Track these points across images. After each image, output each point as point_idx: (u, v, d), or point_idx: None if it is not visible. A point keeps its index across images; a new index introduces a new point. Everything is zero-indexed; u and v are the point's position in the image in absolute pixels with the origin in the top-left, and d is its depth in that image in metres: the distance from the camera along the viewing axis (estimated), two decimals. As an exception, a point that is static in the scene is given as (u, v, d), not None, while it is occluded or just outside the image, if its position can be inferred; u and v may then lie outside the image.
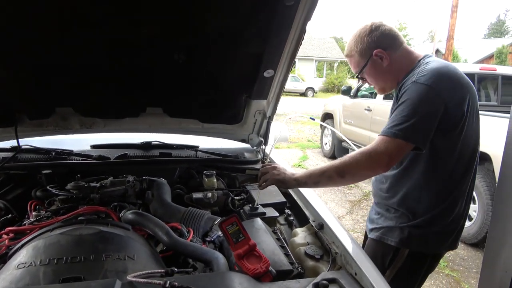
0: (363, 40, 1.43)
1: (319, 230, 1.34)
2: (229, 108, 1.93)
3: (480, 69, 5.00)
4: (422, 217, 1.43)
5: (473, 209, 3.71)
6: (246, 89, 1.79)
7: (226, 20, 1.36)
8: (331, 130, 7.36)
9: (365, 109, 5.90)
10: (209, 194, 1.62)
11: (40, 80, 1.51)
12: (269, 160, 2.06)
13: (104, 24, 1.29)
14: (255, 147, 2.20)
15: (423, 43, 45.64)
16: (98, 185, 1.47)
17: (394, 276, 1.49)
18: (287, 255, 1.21)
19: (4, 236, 1.20)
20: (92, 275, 0.92)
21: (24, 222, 1.32)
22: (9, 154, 1.72)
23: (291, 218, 1.57)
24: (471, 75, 4.82)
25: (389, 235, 1.49)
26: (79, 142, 2.04)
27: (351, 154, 1.33)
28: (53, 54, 1.39)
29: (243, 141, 2.18)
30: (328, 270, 1.13)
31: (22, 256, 0.99)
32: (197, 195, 1.64)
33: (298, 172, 1.45)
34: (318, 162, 7.17)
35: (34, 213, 1.35)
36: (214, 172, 1.73)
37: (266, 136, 2.11)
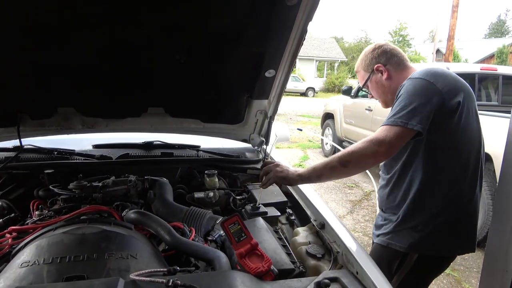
0: (367, 57, 1.63)
1: (321, 230, 1.34)
2: (230, 108, 1.93)
3: (481, 69, 5.00)
4: (428, 219, 1.43)
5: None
6: (248, 89, 1.80)
7: (227, 20, 1.36)
8: (331, 129, 7.37)
9: (366, 109, 5.90)
10: (211, 194, 1.62)
11: (42, 80, 1.52)
12: (269, 158, 2.07)
13: (105, 24, 1.29)
14: (256, 147, 2.21)
15: (423, 43, 45.64)
16: (100, 184, 1.47)
17: (401, 282, 1.49)
18: (288, 254, 1.21)
19: (7, 235, 1.21)
20: (95, 274, 0.93)
21: (27, 222, 1.33)
22: (12, 154, 1.72)
23: (293, 217, 1.57)
24: (471, 75, 4.83)
25: (397, 241, 1.49)
26: (81, 142, 2.04)
27: (353, 144, 1.36)
28: (54, 54, 1.40)
29: (244, 141, 2.19)
30: (329, 269, 1.14)
31: (26, 255, 1.00)
32: (198, 194, 1.65)
33: (301, 169, 1.47)
34: (319, 161, 7.17)
35: (37, 213, 1.36)
36: (216, 171, 1.73)
37: (267, 136, 2.11)
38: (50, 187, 1.50)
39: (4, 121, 1.67)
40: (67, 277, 0.91)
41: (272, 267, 1.03)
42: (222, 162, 1.96)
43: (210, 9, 1.29)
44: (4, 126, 1.69)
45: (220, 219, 1.34)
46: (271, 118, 2.03)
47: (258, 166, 1.95)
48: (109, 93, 1.69)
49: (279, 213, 1.56)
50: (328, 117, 7.63)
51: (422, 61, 27.72)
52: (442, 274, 3.22)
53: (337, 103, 7.26)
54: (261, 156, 2.13)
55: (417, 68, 1.54)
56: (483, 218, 3.59)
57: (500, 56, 24.05)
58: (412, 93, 1.35)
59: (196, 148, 2.09)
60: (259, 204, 1.54)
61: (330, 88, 29.25)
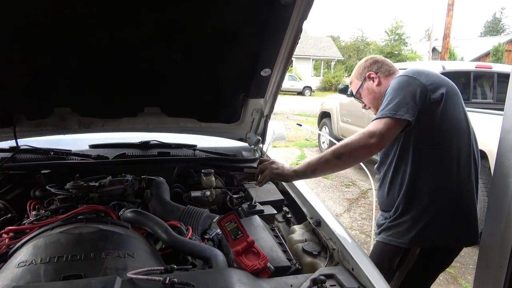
0: (360, 67, 1.77)
1: (317, 227, 1.35)
2: (226, 107, 1.94)
3: (476, 67, 5.02)
4: (423, 210, 1.46)
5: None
6: (243, 88, 1.80)
7: (223, 20, 1.36)
8: (328, 128, 7.39)
9: (362, 108, 5.91)
10: (208, 193, 1.63)
11: (38, 81, 1.52)
12: (266, 157, 2.08)
13: (101, 24, 1.29)
14: (253, 146, 2.22)
15: (420, 41, 45.74)
16: (97, 184, 1.47)
17: (405, 277, 1.51)
18: (285, 251, 1.22)
19: (4, 235, 1.21)
20: (93, 273, 0.93)
21: (24, 222, 1.33)
22: (8, 155, 1.73)
23: (289, 215, 1.58)
24: (467, 73, 4.85)
25: (398, 237, 1.51)
26: (78, 142, 2.04)
27: (346, 138, 1.41)
28: (51, 54, 1.40)
29: (241, 140, 2.19)
30: (325, 266, 1.15)
31: (23, 254, 1.00)
32: (195, 193, 1.65)
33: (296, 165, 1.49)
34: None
35: (33, 213, 1.36)
36: (212, 170, 1.74)
37: (263, 134, 2.12)
38: (47, 187, 1.50)
39: (0, 121, 1.67)
40: (64, 276, 0.91)
41: (268, 264, 1.04)
42: (219, 161, 1.97)
43: (207, 8, 1.29)
44: (0, 126, 1.69)
45: (217, 217, 1.35)
46: (267, 117, 2.04)
47: (255, 165, 1.96)
48: (105, 93, 1.69)
49: (275, 211, 1.56)
50: (325, 115, 7.64)
51: (418, 60, 27.79)
52: (438, 271, 3.26)
53: (333, 101, 7.28)
54: (257, 155, 2.14)
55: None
56: (479, 215, 3.60)
57: (495, 54, 24.16)
58: (396, 88, 1.43)
59: (192, 147, 2.10)
60: (255, 202, 1.55)
61: (327, 87, 29.28)
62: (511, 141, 1.52)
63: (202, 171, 1.73)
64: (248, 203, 1.57)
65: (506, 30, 55.14)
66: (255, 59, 1.57)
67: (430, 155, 1.46)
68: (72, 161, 1.80)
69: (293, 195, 1.70)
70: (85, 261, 0.97)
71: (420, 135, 1.44)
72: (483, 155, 3.45)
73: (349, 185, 5.66)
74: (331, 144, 7.07)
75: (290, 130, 10.19)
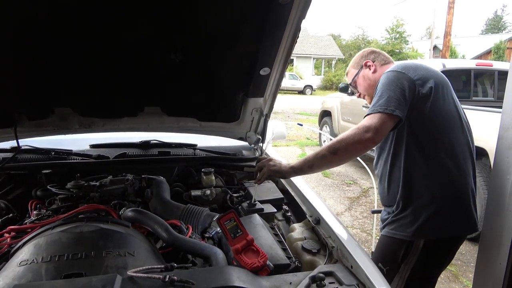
0: (357, 57, 1.81)
1: (316, 225, 1.36)
2: (226, 107, 1.95)
3: (476, 65, 5.01)
4: (423, 202, 1.47)
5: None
6: (243, 87, 1.81)
7: (222, 20, 1.37)
8: (329, 127, 7.39)
9: (363, 106, 5.91)
10: (208, 192, 1.64)
11: (39, 81, 1.53)
12: (264, 154, 2.08)
13: (102, 24, 1.30)
14: (253, 145, 2.22)
15: (421, 39, 45.62)
16: (97, 184, 1.48)
17: (411, 271, 1.52)
18: (284, 249, 1.23)
19: (6, 234, 1.22)
20: (93, 271, 0.94)
21: (25, 221, 1.34)
22: (9, 155, 1.74)
23: (289, 214, 1.59)
24: (467, 71, 4.84)
25: (401, 230, 1.52)
26: (78, 142, 2.05)
27: (341, 133, 1.42)
28: (51, 55, 1.41)
29: (240, 139, 2.20)
30: (324, 264, 1.16)
31: (24, 253, 1.01)
32: (195, 192, 1.66)
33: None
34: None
35: (35, 212, 1.37)
36: (212, 169, 1.75)
37: (263, 133, 2.13)
38: (48, 187, 1.51)
39: (1, 122, 1.68)
40: (66, 275, 0.92)
41: (267, 262, 1.05)
42: (219, 160, 1.97)
43: (205, 9, 1.30)
44: (1, 127, 1.70)
45: (217, 216, 1.35)
46: (267, 116, 2.04)
47: (255, 163, 1.96)
48: (106, 93, 1.70)
49: (275, 210, 1.57)
50: (325, 114, 7.64)
51: (420, 58, 27.71)
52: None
53: (334, 100, 7.27)
54: (257, 154, 2.15)
55: None
56: (479, 213, 3.60)
57: (497, 52, 24.05)
58: (385, 83, 1.45)
59: (192, 146, 2.10)
60: (255, 201, 1.55)
61: (328, 86, 29.23)
62: (510, 138, 1.53)
63: (202, 170, 1.74)
64: (248, 201, 1.58)
65: (508, 27, 54.98)
66: (254, 58, 1.57)
67: (423, 149, 1.47)
68: (73, 161, 1.81)
69: (292, 193, 1.71)
70: (86, 259, 0.98)
71: (412, 129, 1.46)
72: (484, 152, 3.45)
73: (350, 183, 5.66)
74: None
75: (291, 129, 10.20)
